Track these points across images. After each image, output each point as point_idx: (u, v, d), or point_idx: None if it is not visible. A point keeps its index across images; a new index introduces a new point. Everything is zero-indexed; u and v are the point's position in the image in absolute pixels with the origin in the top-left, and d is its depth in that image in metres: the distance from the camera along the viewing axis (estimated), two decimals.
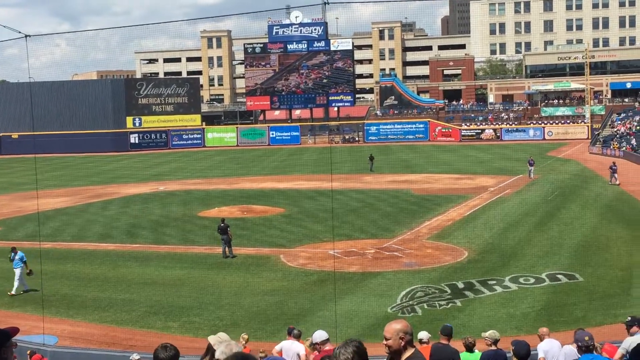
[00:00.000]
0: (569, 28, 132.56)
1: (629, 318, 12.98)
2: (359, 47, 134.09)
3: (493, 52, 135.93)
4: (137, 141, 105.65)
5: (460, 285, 23.81)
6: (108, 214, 42.90)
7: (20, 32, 18.93)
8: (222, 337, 8.62)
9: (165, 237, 35.04)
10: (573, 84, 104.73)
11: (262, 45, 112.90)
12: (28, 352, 16.28)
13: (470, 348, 12.45)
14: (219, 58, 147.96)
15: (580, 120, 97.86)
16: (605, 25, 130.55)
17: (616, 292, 22.54)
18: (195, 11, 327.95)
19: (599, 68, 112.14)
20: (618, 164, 50.18)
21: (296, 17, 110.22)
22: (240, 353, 4.28)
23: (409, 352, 5.57)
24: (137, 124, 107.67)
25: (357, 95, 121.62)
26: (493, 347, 12.03)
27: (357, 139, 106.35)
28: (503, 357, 10.39)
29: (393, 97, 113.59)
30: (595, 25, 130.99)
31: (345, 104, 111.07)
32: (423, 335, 12.94)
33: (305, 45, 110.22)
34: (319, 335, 10.03)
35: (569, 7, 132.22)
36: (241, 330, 18.52)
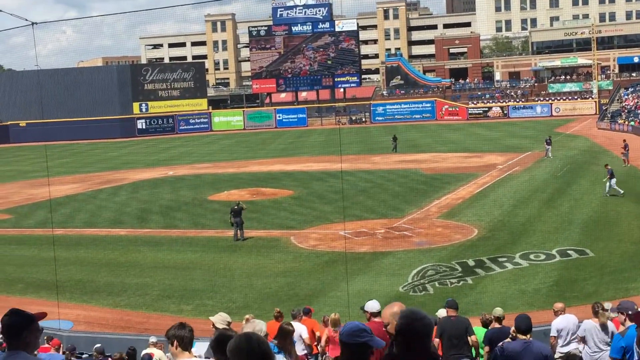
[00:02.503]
0: (575, 3, 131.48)
1: None
2: (364, 28, 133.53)
3: (499, 29, 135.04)
4: (144, 127, 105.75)
5: (471, 262, 23.88)
6: (118, 200, 43.09)
7: (27, 20, 18.96)
8: (223, 317, 8.79)
9: (176, 221, 35.21)
10: (580, 59, 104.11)
11: (266, 27, 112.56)
12: (45, 337, 16.45)
13: (486, 324, 12.55)
14: (224, 42, 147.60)
15: (587, 96, 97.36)
16: None
17: (627, 267, 22.57)
18: None
19: (606, 43, 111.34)
20: (626, 139, 49.64)
21: None
22: (248, 334, 4.34)
23: None
24: (143, 110, 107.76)
25: (363, 76, 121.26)
26: (497, 325, 12.10)
27: (364, 119, 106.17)
28: (507, 334, 10.46)
29: (399, 77, 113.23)
30: (601, 0, 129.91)
31: (352, 84, 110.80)
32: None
33: (310, 26, 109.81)
34: (372, 305, 10.06)
35: None
36: (253, 312, 18.67)
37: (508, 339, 9.87)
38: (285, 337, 8.88)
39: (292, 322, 13.99)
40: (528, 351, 8.73)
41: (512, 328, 9.66)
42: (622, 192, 34.12)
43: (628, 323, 9.41)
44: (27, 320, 5.33)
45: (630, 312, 9.53)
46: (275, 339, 8.87)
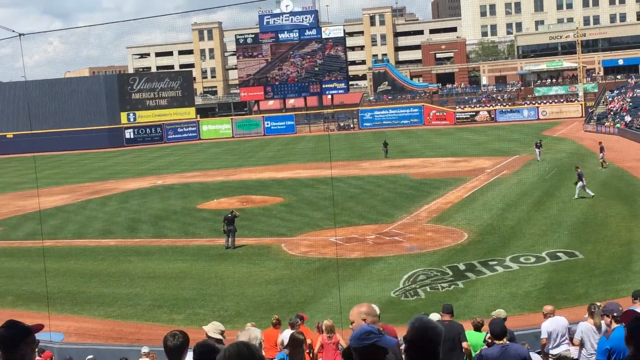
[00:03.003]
0: (560, 7, 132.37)
1: None
2: (351, 34, 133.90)
3: (484, 34, 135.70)
4: (132, 136, 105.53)
5: (462, 267, 23.98)
6: (108, 210, 42.97)
7: (14, 31, 18.95)
8: (216, 325, 8.79)
9: (165, 230, 35.15)
10: (565, 62, 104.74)
11: (253, 35, 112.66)
12: (36, 349, 16.38)
13: (478, 328, 12.60)
14: (211, 50, 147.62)
15: (573, 99, 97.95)
16: (596, 3, 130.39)
17: (616, 268, 22.72)
18: (186, 4, 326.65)
19: (591, 46, 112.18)
20: (613, 141, 50.05)
21: (286, 6, 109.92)
22: (242, 344, 4.22)
23: None
24: (131, 119, 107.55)
25: (351, 82, 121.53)
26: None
27: (352, 125, 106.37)
28: (511, 335, 10.54)
29: (386, 82, 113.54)
30: (585, 3, 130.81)
31: (339, 91, 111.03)
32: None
33: (297, 34, 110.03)
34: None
35: None
36: (246, 320, 18.68)
37: (484, 346, 9.97)
38: (296, 346, 8.82)
39: (291, 332, 14.01)
40: (506, 355, 8.84)
41: (488, 334, 9.74)
42: (592, 194, 34.63)
43: (614, 325, 9.48)
44: (24, 332, 5.33)
45: (615, 314, 9.59)
46: (286, 348, 8.85)
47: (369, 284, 22.98)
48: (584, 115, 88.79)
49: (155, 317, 21.45)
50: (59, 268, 27.90)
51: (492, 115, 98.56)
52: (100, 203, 46.29)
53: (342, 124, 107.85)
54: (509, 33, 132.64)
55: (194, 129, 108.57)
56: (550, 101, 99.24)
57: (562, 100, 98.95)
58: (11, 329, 5.26)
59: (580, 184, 34.98)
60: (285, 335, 14.21)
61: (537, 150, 51.42)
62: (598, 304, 12.41)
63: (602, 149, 46.26)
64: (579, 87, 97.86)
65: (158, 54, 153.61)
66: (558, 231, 28.44)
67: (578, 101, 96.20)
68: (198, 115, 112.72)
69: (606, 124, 73.44)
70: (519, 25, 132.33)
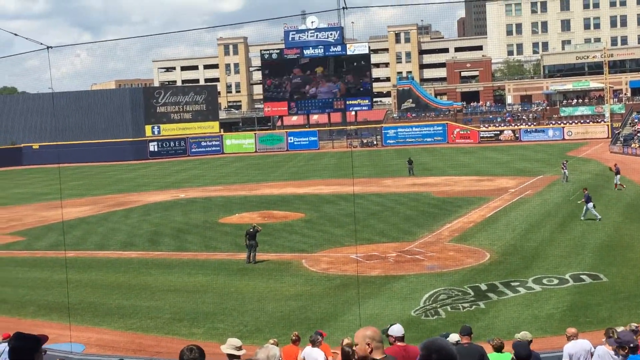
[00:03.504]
0: (587, 27, 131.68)
1: None
2: (376, 51, 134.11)
3: (510, 52, 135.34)
4: (156, 149, 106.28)
5: (483, 287, 23.74)
6: (130, 222, 43.18)
7: (42, 44, 19.16)
8: (231, 342, 8.76)
9: (187, 244, 35.23)
10: (592, 83, 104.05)
11: (278, 51, 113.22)
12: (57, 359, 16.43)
13: (499, 349, 12.43)
14: (236, 65, 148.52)
15: (600, 120, 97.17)
16: (624, 23, 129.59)
17: None
18: (213, 19, 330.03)
19: (618, 66, 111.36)
20: (639, 163, 49.41)
21: (312, 22, 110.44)
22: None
23: (377, 357, 5.74)
24: (156, 132, 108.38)
25: (375, 99, 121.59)
26: None
27: (375, 142, 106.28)
28: (536, 358, 10.39)
29: (410, 100, 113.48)
30: (613, 24, 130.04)
31: (363, 108, 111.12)
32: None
33: (322, 50, 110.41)
34: (397, 329, 10.00)
35: (586, 6, 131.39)
36: (265, 336, 18.64)
37: None
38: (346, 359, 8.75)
39: (312, 349, 13.93)
40: None
41: (512, 357, 9.61)
42: (599, 217, 34.38)
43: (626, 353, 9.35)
44: (36, 343, 5.39)
45: (631, 345, 9.45)
46: None
47: (389, 302, 22.82)
48: (610, 136, 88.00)
49: (174, 330, 21.43)
50: (81, 279, 28.04)
51: (517, 135, 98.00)
52: (123, 215, 46.55)
53: (365, 141, 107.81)
54: (535, 52, 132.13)
55: (217, 143, 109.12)
56: (576, 121, 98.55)
57: (588, 120, 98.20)
58: (24, 340, 5.29)
59: (589, 205, 34.80)
60: (307, 352, 14.13)
61: (564, 170, 50.67)
62: (619, 329, 12.21)
63: (617, 171, 45.88)
64: (605, 108, 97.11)
65: (184, 68, 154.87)
66: (582, 253, 28.10)
67: (604, 122, 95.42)
68: (222, 130, 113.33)
69: (632, 145, 72.71)
70: (545, 45, 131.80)
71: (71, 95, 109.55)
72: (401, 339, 9.89)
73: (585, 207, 34.97)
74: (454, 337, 12.76)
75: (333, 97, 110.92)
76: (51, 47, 19.87)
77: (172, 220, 42.82)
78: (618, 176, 45.67)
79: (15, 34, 16.55)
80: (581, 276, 24.43)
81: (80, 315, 23.08)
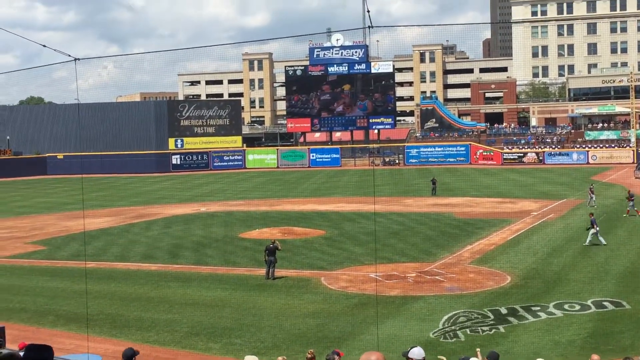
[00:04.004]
0: (614, 51, 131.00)
1: None
2: (400, 70, 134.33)
3: (535, 74, 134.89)
4: (179, 162, 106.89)
5: (504, 310, 23.47)
6: (151, 235, 43.34)
7: (70, 56, 19.34)
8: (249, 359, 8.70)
9: (206, 258, 35.26)
10: (618, 107, 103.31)
11: (303, 67, 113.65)
12: None
13: None
14: (260, 80, 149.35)
15: (625, 144, 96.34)
16: None
17: None
18: (239, 34, 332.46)
19: None
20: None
21: (337, 39, 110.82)
22: None
23: None
24: (179, 145, 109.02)
25: (398, 118, 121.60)
26: None
27: (397, 161, 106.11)
28: None
29: (434, 119, 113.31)
30: None
31: (386, 126, 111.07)
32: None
33: (346, 67, 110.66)
34: (417, 352, 9.88)
35: (613, 30, 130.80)
36: (282, 353, 18.51)
37: None
38: None
39: None
40: None
41: None
42: (604, 242, 34.18)
43: None
44: (51, 352, 5.42)
45: None
46: None
47: (407, 322, 22.63)
48: (635, 162, 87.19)
49: (191, 344, 21.39)
50: (100, 290, 28.13)
51: (541, 158, 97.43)
52: (143, 227, 46.75)
53: (387, 159, 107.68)
54: (560, 75, 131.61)
55: (239, 157, 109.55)
56: (601, 146, 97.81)
57: (613, 145, 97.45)
58: (41, 351, 5.32)
59: (592, 230, 34.66)
60: None
61: (591, 195, 49.95)
62: (636, 357, 11.99)
63: (631, 197, 45.55)
64: (631, 133, 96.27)
65: (208, 82, 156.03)
66: (605, 279, 27.73)
67: (630, 147, 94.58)
68: (244, 144, 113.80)
69: None
70: (571, 68, 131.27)
71: (97, 106, 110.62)
72: None
73: (590, 232, 34.86)
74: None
75: (359, 115, 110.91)
76: (78, 59, 20.06)
77: (193, 234, 42.91)
78: (631, 202, 45.26)
79: (44, 45, 16.69)
80: (604, 303, 24.09)
81: (99, 327, 23.12)
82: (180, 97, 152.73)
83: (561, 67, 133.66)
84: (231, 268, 32.55)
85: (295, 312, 24.46)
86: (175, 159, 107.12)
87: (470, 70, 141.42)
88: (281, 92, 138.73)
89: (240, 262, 33.85)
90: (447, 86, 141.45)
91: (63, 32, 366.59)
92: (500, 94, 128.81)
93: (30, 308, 26.09)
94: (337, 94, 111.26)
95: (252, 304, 25.70)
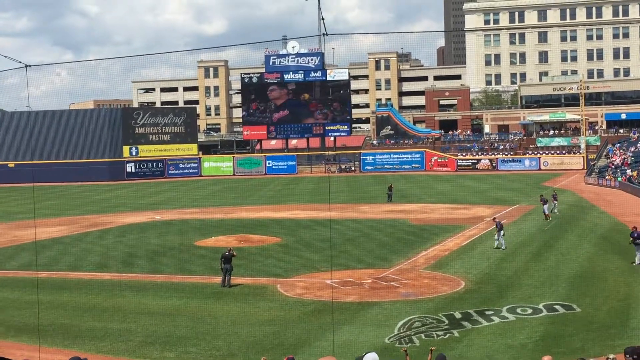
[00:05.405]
0: (564, 59, 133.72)
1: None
2: (355, 77, 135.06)
3: (489, 82, 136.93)
4: (133, 170, 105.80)
5: (458, 315, 23.75)
6: (104, 243, 42.78)
7: (20, 62, 19.08)
8: None
9: (161, 266, 34.94)
10: (568, 114, 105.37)
11: (258, 75, 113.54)
12: None
13: None
14: (216, 88, 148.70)
15: (575, 151, 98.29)
16: (600, 56, 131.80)
17: (614, 323, 22.49)
18: (195, 41, 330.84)
19: (594, 99, 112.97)
20: (614, 195, 50.18)
21: (293, 47, 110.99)
22: None
23: None
24: (133, 153, 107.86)
25: (354, 125, 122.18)
26: None
27: (353, 168, 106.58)
28: None
29: (389, 127, 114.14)
30: (589, 57, 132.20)
31: (342, 133, 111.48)
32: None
33: (302, 75, 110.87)
34: (373, 357, 9.94)
35: (563, 39, 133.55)
36: None
37: None
38: None
39: None
40: None
41: None
42: (504, 247, 35.67)
43: None
44: None
45: None
46: None
47: (363, 328, 22.75)
48: (585, 168, 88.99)
49: (146, 354, 21.17)
50: (52, 300, 27.68)
51: (494, 164, 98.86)
52: (97, 236, 46.13)
53: (343, 167, 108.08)
54: (512, 83, 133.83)
55: (195, 165, 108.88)
56: (552, 152, 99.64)
57: (564, 151, 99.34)
58: None
59: (501, 233, 36.15)
60: None
61: (554, 202, 50.02)
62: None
63: (555, 198, 48.69)
64: (581, 140, 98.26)
65: (163, 89, 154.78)
66: (556, 283, 28.24)
67: (580, 153, 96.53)
68: (200, 152, 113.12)
69: (607, 177, 73.53)
70: (523, 76, 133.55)
71: (49, 114, 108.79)
72: None
73: (495, 236, 36.46)
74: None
75: (315, 122, 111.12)
76: (30, 66, 19.79)
77: (148, 242, 42.50)
78: (545, 206, 47.04)
79: None
80: (555, 306, 24.54)
81: (51, 337, 22.75)
82: (135, 105, 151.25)
83: (513, 75, 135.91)
84: (187, 276, 32.32)
85: (251, 319, 24.40)
86: (130, 167, 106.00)
87: (425, 78, 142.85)
88: (237, 99, 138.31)
89: (196, 270, 33.63)
90: (402, 94, 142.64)
91: (17, 38, 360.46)
92: (454, 102, 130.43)
93: None
94: (294, 102, 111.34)
95: (208, 312, 25.56)
